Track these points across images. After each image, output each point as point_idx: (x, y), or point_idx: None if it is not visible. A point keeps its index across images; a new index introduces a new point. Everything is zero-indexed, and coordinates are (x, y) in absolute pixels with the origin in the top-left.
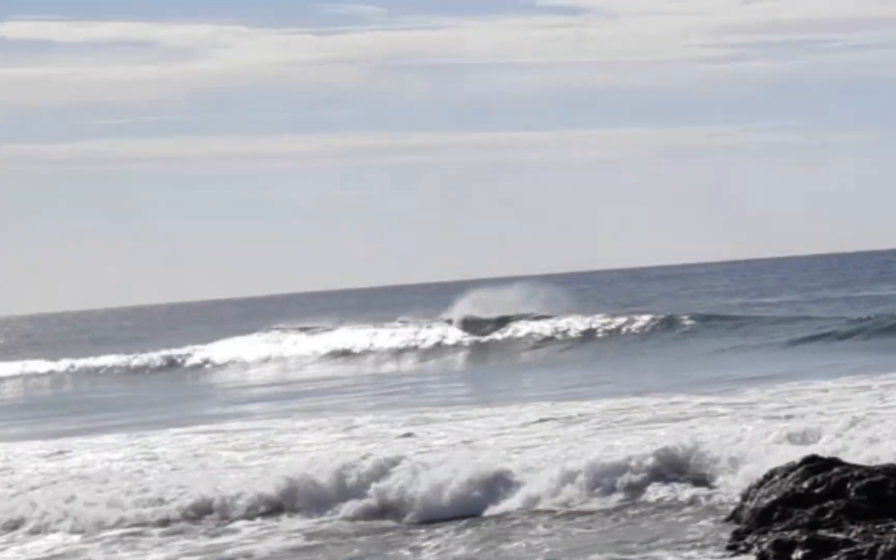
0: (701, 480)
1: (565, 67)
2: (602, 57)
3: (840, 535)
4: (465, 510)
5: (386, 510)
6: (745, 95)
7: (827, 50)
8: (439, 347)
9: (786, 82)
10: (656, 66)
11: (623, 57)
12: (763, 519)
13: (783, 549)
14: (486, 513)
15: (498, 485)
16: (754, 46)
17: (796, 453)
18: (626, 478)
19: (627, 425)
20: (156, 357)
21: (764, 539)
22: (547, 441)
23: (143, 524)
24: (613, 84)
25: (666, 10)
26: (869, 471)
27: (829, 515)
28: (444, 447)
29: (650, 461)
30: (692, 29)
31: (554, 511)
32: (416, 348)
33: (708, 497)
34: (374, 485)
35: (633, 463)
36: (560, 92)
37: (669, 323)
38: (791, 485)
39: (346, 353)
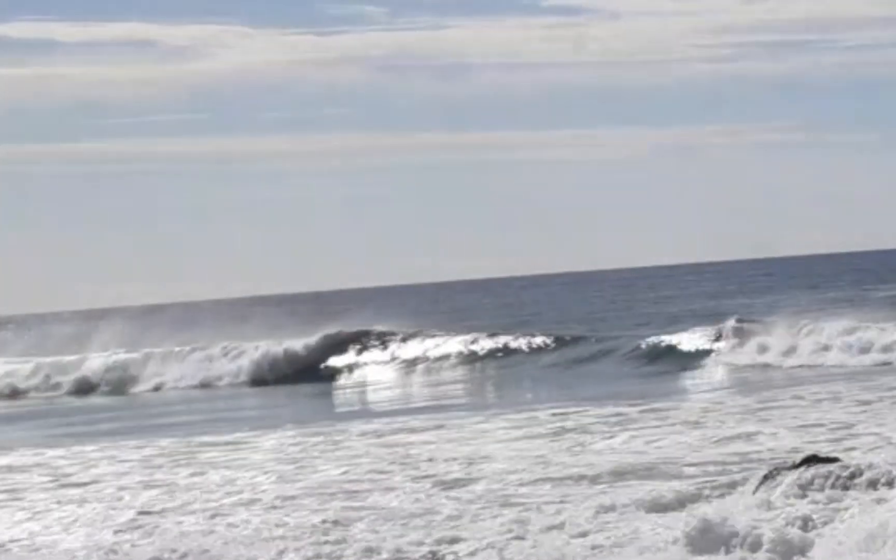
0: None
1: (566, 67)
2: (602, 57)
3: None
4: None
5: None
6: (745, 95)
7: (827, 50)
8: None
9: (786, 82)
10: (656, 66)
11: (623, 57)
12: None
13: None
14: None
15: None
16: (754, 46)
17: None
18: None
19: None
20: None
21: None
22: None
23: None
24: (613, 84)
25: (666, 10)
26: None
27: None
28: None
29: None
30: (692, 29)
31: None
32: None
33: None
34: None
35: None
36: (560, 92)
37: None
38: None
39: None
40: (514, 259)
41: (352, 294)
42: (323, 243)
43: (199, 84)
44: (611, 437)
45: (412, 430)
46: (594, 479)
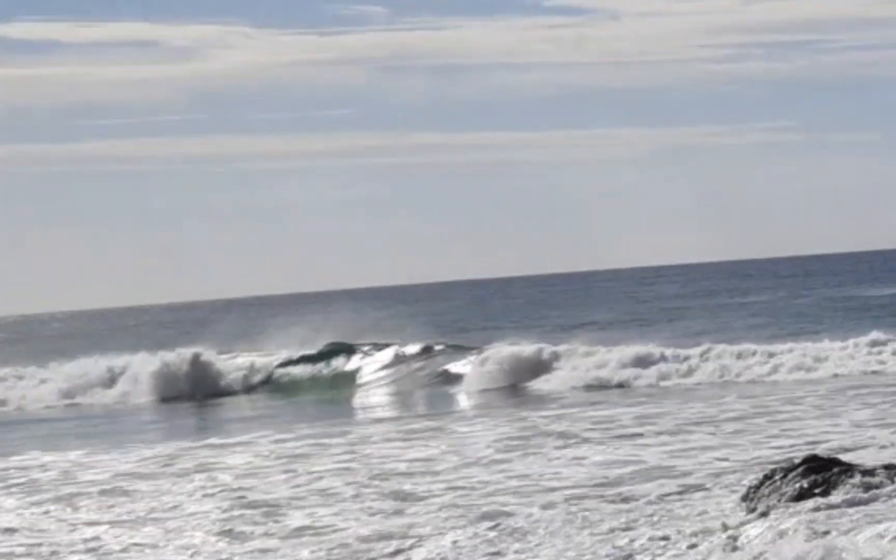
0: None
1: (566, 67)
2: (603, 57)
3: None
4: None
5: None
6: (745, 95)
7: (827, 50)
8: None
9: (786, 82)
10: (656, 66)
11: (623, 57)
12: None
13: None
14: None
15: None
16: (754, 46)
17: None
18: None
19: None
20: None
21: None
22: None
23: None
24: (614, 84)
25: (666, 10)
26: (868, 471)
27: None
28: None
29: None
30: (692, 29)
31: None
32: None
33: None
34: None
35: None
36: (560, 92)
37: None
38: (792, 485)
39: None
40: (514, 259)
41: (351, 294)
42: (323, 243)
43: (199, 84)
44: None
45: None
46: None
